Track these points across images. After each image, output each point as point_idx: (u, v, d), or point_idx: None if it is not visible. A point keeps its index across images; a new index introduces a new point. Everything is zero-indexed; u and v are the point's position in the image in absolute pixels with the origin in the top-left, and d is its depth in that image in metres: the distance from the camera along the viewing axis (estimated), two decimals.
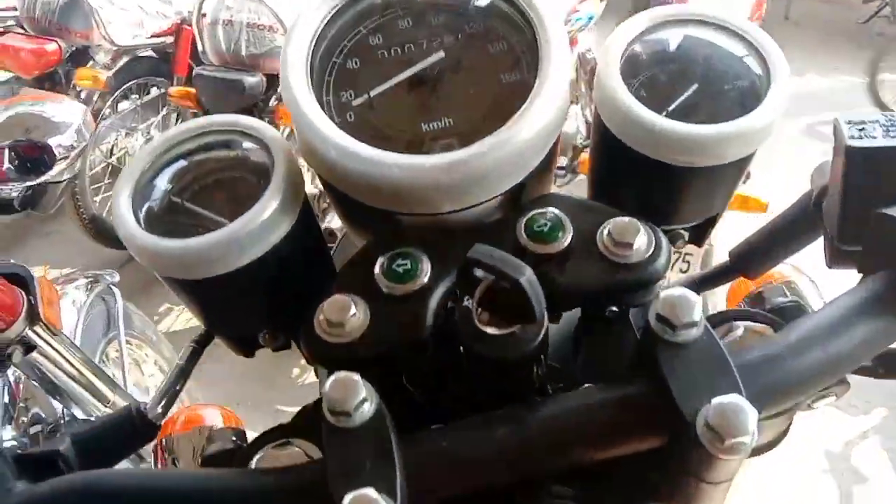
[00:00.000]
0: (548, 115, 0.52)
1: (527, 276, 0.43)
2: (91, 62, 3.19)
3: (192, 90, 2.98)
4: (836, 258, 0.60)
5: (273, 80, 3.08)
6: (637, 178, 0.57)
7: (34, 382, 1.40)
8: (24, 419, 1.50)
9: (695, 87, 0.55)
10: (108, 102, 3.31)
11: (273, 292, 0.55)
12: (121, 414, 0.61)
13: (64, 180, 1.12)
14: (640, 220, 0.52)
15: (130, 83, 3.40)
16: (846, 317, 0.50)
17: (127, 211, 0.52)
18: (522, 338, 0.47)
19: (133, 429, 0.60)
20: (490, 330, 0.47)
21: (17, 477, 0.54)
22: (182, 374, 0.63)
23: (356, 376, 0.44)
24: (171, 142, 0.55)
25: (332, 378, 0.44)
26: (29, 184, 1.11)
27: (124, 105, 3.63)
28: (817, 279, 0.80)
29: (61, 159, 1.14)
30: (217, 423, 0.81)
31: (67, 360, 1.37)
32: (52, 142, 1.11)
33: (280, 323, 0.59)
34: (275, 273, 0.54)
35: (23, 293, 1.23)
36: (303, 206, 0.55)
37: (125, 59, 3.27)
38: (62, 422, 1.49)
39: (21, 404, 1.54)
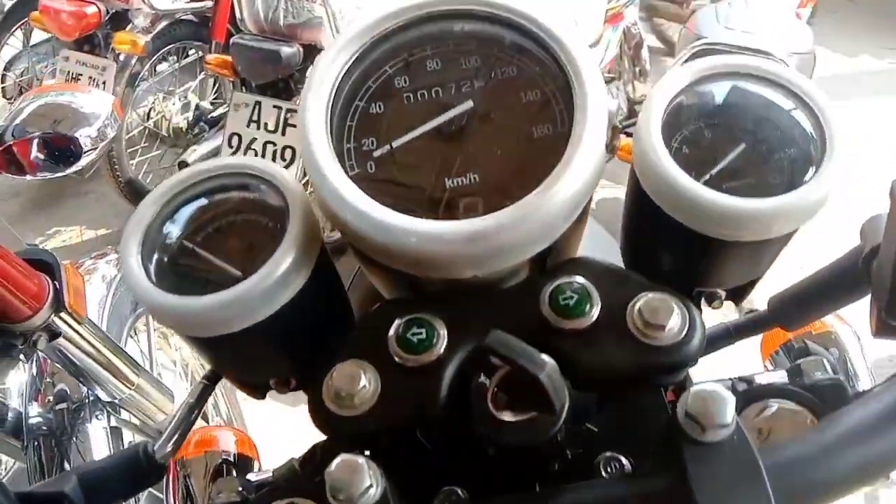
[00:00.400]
0: (583, 177, 0.49)
1: (546, 371, 0.41)
2: (130, 25, 3.18)
3: (229, 58, 2.96)
4: (883, 330, 0.56)
5: (310, 50, 3.05)
6: (673, 245, 0.53)
7: (58, 365, 1.41)
8: (50, 397, 1.52)
9: (742, 147, 0.51)
10: (147, 66, 3.31)
11: (287, 345, 0.53)
12: (128, 453, 0.60)
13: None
14: (675, 296, 0.48)
15: (169, 47, 3.38)
16: (891, 413, 0.46)
17: (136, 263, 0.49)
18: (540, 426, 0.44)
19: (140, 469, 0.59)
20: (506, 416, 0.44)
21: None
22: (190, 412, 0.61)
23: (362, 460, 0.42)
24: (182, 185, 0.53)
25: (337, 461, 0.42)
26: (59, 174, 1.10)
27: (163, 67, 3.63)
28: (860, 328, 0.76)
29: (89, 151, 1.12)
30: (230, 448, 0.80)
31: (92, 346, 1.37)
32: (81, 133, 1.10)
33: (294, 371, 0.57)
34: (289, 327, 0.52)
35: (49, 280, 1.23)
36: (319, 255, 0.53)
37: (164, 23, 3.25)
38: (87, 402, 1.50)
39: (48, 379, 1.56)
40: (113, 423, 1.52)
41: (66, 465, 1.45)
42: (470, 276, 0.49)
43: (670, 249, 0.54)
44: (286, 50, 2.90)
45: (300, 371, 0.56)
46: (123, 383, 1.48)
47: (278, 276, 0.48)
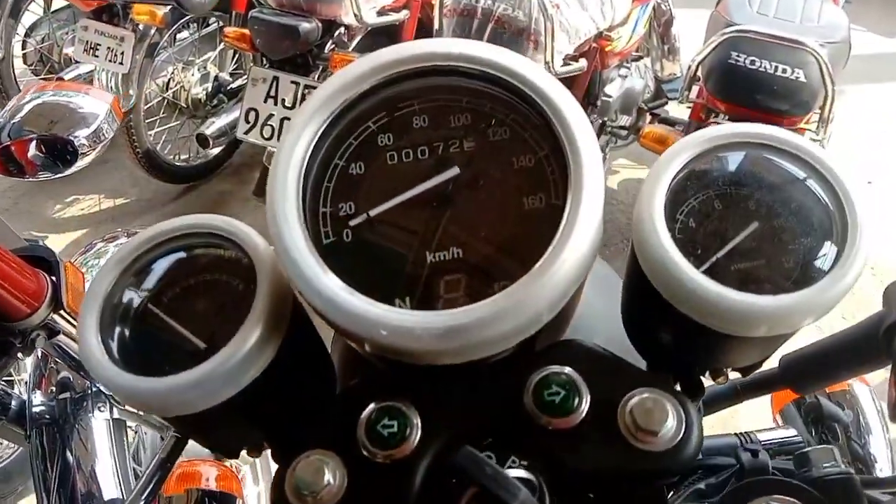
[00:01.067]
0: (579, 259, 0.43)
1: (520, 500, 0.37)
2: None
3: (247, 32, 2.91)
4: None
5: (329, 25, 2.99)
6: (675, 331, 0.49)
7: (58, 361, 1.40)
8: (53, 386, 1.51)
9: (754, 226, 0.47)
10: (166, 36, 3.27)
11: (257, 419, 0.50)
12: None
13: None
14: (670, 395, 0.44)
15: (188, 16, 3.33)
16: None
17: (96, 341, 0.46)
18: None
19: None
20: None
21: None
22: (161, 468, 0.59)
23: None
24: (144, 247, 0.49)
25: None
26: (59, 175, 1.07)
27: (182, 35, 3.59)
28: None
29: (86, 152, 1.09)
30: (211, 484, 0.78)
31: None
32: (78, 134, 1.07)
33: (268, 440, 0.53)
34: (258, 402, 0.48)
35: (47, 277, 1.21)
36: (292, 317, 0.49)
37: None
38: (89, 393, 1.50)
39: (52, 366, 1.56)
40: (116, 414, 1.51)
41: (68, 454, 1.45)
42: (447, 363, 0.45)
43: (671, 332, 0.50)
44: (305, 25, 2.84)
45: (274, 440, 0.53)
46: None
47: (242, 357, 0.45)
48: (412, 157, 0.48)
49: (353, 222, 0.47)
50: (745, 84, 2.54)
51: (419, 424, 0.45)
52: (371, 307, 0.43)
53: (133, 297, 0.49)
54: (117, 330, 0.48)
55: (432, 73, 0.49)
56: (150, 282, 0.50)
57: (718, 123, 2.60)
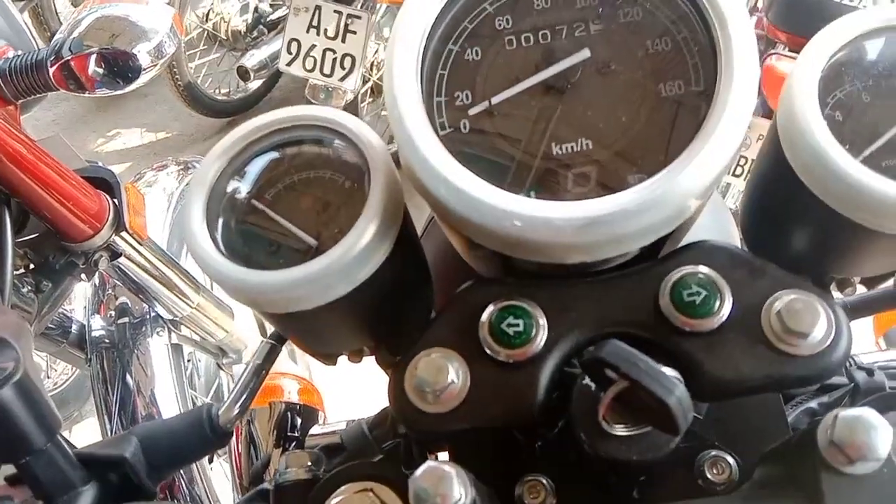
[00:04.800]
0: (728, 150, 0.40)
1: (676, 396, 0.34)
2: None
3: None
4: None
5: None
6: (813, 228, 0.46)
7: (119, 283, 1.40)
8: (112, 311, 1.52)
9: None
10: None
11: (364, 321, 0.48)
12: (192, 417, 0.56)
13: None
14: (820, 296, 0.41)
15: None
16: None
17: (202, 231, 0.44)
18: (655, 442, 0.39)
19: (204, 434, 0.55)
20: (618, 430, 0.39)
21: (84, 482, 0.50)
22: (256, 375, 0.57)
23: (450, 469, 0.37)
24: (249, 138, 0.47)
25: (422, 469, 0.37)
26: (119, 91, 1.04)
27: None
28: None
29: (148, 68, 1.07)
30: (294, 397, 0.77)
31: (153, 265, 1.36)
32: (140, 49, 1.04)
33: (371, 345, 0.51)
34: (367, 302, 0.46)
35: (109, 199, 1.20)
36: (403, 222, 0.46)
37: None
38: (148, 318, 1.51)
39: (110, 291, 1.57)
40: (174, 339, 1.52)
41: (128, 378, 1.47)
42: (577, 262, 0.42)
43: (808, 232, 0.46)
44: None
45: (378, 345, 0.51)
46: (184, 301, 1.47)
47: (358, 252, 0.42)
48: (533, 42, 0.44)
49: (471, 111, 0.44)
50: (809, 13, 2.41)
51: (545, 324, 0.43)
52: (504, 196, 0.40)
53: (239, 187, 0.46)
54: (222, 221, 0.45)
55: None
56: (255, 176, 0.47)
57: (780, 55, 2.50)
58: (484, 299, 0.44)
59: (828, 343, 0.40)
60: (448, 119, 0.44)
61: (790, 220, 0.47)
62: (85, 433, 2.19)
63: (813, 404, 0.58)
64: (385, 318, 0.48)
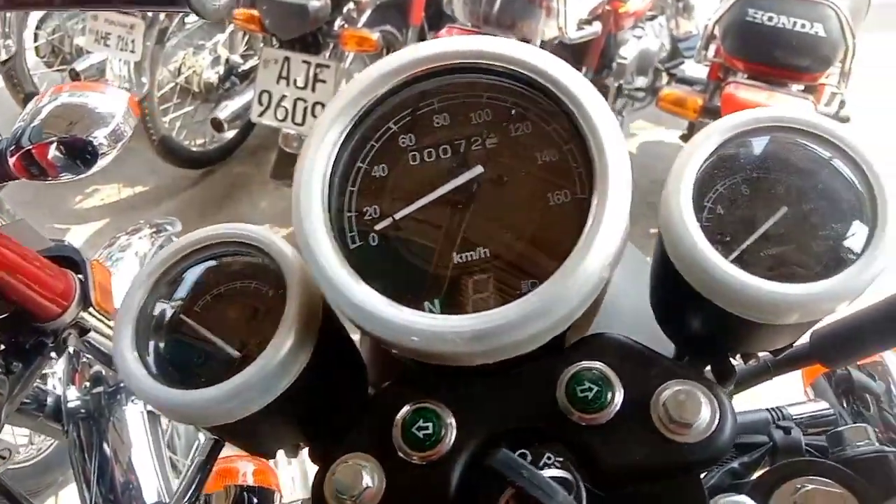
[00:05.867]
0: (608, 253, 0.43)
1: (558, 501, 0.37)
2: None
3: (256, 13, 2.90)
4: None
5: (338, 2, 2.97)
6: (704, 319, 0.49)
7: (90, 356, 1.42)
8: (87, 381, 1.54)
9: (783, 211, 0.46)
10: (175, 21, 3.26)
11: (293, 423, 0.51)
12: None
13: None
14: (703, 385, 0.44)
15: None
16: None
17: (132, 356, 0.47)
18: None
19: None
20: None
21: None
22: (202, 470, 0.60)
23: None
24: (173, 259, 0.50)
25: None
26: (81, 176, 1.08)
27: (191, 19, 3.57)
28: None
29: (106, 151, 1.10)
30: (249, 479, 0.79)
31: None
32: (97, 134, 1.08)
33: (304, 441, 0.54)
34: (294, 406, 0.49)
35: (75, 276, 1.22)
36: (322, 323, 0.49)
37: None
38: (122, 385, 1.52)
39: (84, 360, 1.58)
40: (150, 406, 1.53)
41: (105, 446, 1.48)
42: (478, 364, 0.45)
43: (703, 320, 0.50)
44: (313, 3, 2.82)
45: (311, 440, 0.54)
46: None
47: (275, 366, 0.45)
48: (434, 157, 0.48)
49: (378, 226, 0.47)
50: (764, 41, 2.49)
51: (454, 424, 0.46)
52: (401, 313, 0.42)
53: (165, 308, 0.49)
54: (152, 342, 0.48)
55: (451, 71, 0.48)
56: (182, 292, 0.50)
57: (738, 83, 2.55)
58: (395, 402, 0.47)
59: (713, 429, 0.43)
60: (358, 233, 0.47)
61: (686, 310, 0.50)
62: (70, 499, 2.19)
63: (735, 465, 0.61)
64: (314, 416, 0.51)
